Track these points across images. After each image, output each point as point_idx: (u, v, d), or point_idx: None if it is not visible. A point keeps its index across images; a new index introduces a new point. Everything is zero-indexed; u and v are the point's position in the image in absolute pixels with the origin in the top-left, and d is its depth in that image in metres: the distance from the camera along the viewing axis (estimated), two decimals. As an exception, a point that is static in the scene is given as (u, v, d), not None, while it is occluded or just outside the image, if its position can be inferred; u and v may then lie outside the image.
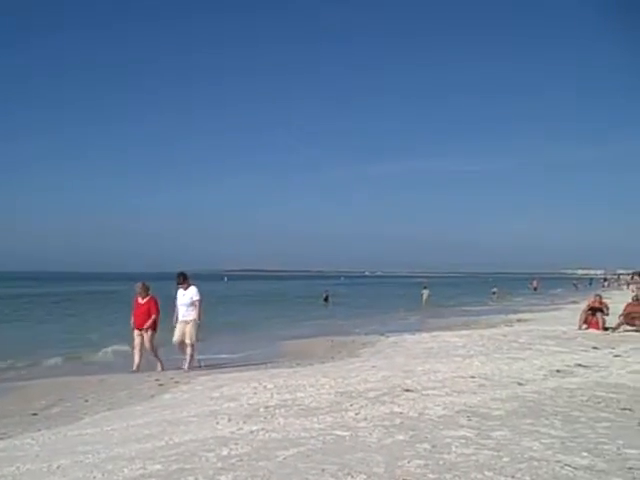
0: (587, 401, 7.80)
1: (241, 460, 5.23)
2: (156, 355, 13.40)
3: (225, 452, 5.52)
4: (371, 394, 8.32)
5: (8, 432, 7.85)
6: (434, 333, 19.11)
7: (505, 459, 5.20)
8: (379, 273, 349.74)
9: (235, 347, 18.76)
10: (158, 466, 5.16)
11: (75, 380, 12.30)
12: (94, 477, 5.01)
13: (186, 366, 12.79)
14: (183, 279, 13.26)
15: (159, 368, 13.19)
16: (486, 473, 4.83)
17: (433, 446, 5.60)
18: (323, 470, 4.87)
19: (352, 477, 4.72)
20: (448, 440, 5.82)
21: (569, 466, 5.00)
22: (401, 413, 7.06)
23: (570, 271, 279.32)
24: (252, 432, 6.33)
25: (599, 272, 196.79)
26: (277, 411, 7.45)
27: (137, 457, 5.54)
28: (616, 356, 12.25)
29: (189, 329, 12.91)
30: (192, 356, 13.01)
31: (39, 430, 7.79)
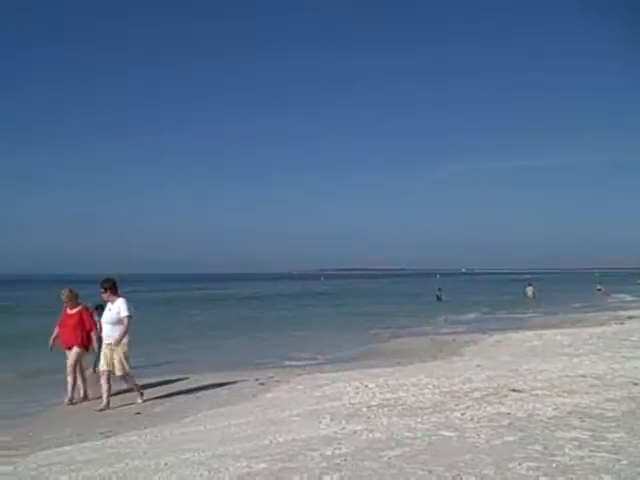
0: None
1: (346, 460, 5.17)
2: (82, 380, 11.10)
3: (329, 452, 5.47)
4: (476, 394, 8.08)
5: (115, 430, 8.11)
6: (539, 331, 18.48)
7: (623, 462, 4.91)
8: (477, 270, 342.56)
9: (335, 346, 18.79)
10: (263, 465, 5.17)
11: (177, 379, 12.58)
12: (200, 475, 5.07)
13: (139, 399, 10.34)
14: (108, 288, 10.27)
15: (81, 394, 11.00)
16: (604, 476, 4.57)
17: (545, 448, 5.36)
18: (430, 471, 4.74)
19: (461, 479, 4.57)
20: (560, 442, 5.55)
21: (695, 470, 4.67)
22: (509, 414, 6.80)
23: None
24: (356, 432, 6.25)
25: None
26: (380, 411, 7.35)
27: (242, 455, 5.57)
28: None
29: (116, 357, 10.04)
30: (133, 388, 10.47)
31: (145, 428, 7.99)
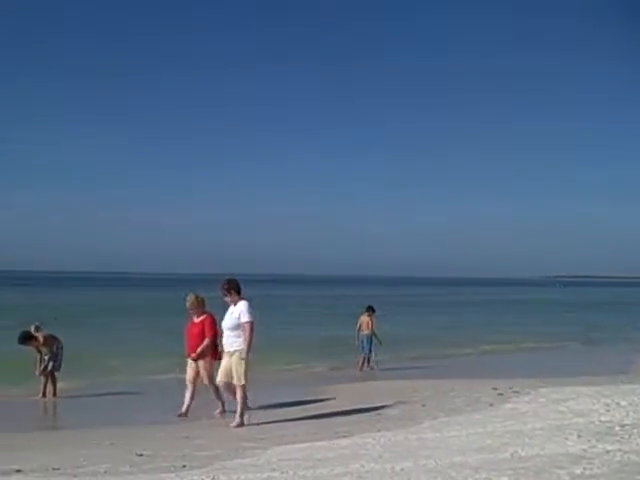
0: None
1: (598, 481, 4.68)
2: (216, 392, 10.04)
3: (579, 471, 4.99)
4: None
5: (351, 430, 8.14)
6: None
7: None
8: None
9: (582, 358, 17.73)
10: (505, 478, 4.84)
11: (411, 384, 12.52)
12: (438, 483, 4.88)
13: (235, 421, 9.13)
14: (230, 289, 9.27)
15: (218, 411, 10.17)
16: None
17: None
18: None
19: None
20: None
21: None
22: None
23: None
24: (608, 452, 5.67)
25: None
26: (635, 431, 6.62)
27: (481, 467, 5.28)
28: None
29: (235, 364, 9.08)
30: (243, 405, 9.18)
31: (379, 431, 7.94)
